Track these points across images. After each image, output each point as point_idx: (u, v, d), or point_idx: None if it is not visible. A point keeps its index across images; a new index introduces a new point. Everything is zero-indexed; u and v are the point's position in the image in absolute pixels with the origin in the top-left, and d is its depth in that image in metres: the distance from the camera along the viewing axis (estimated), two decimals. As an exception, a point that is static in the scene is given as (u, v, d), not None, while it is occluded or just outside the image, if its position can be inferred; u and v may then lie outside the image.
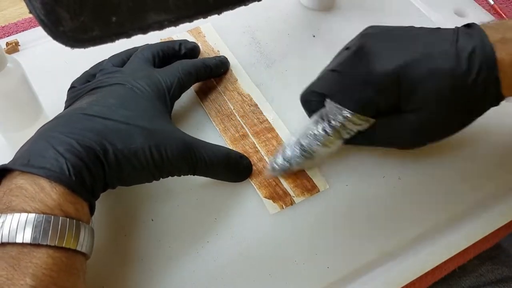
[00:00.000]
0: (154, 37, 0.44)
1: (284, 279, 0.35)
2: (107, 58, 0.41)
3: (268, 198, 0.38)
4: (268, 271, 0.35)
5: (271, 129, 0.42)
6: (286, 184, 0.39)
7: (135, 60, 0.40)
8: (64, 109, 0.37)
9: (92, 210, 0.31)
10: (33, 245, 0.26)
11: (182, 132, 0.35)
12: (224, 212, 0.38)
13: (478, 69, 0.32)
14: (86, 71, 0.40)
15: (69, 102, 0.37)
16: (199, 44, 0.46)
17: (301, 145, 0.38)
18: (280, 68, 0.48)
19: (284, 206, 0.38)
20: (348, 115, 0.36)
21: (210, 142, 0.36)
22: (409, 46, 0.34)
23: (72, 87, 0.39)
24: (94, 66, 0.41)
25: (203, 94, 0.45)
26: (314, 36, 0.50)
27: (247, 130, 0.42)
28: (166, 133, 0.34)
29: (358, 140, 0.38)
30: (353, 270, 0.36)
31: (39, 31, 0.48)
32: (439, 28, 0.36)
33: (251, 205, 0.38)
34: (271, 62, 0.48)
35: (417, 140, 0.38)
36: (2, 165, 0.29)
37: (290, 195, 0.38)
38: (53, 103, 0.39)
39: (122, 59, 0.40)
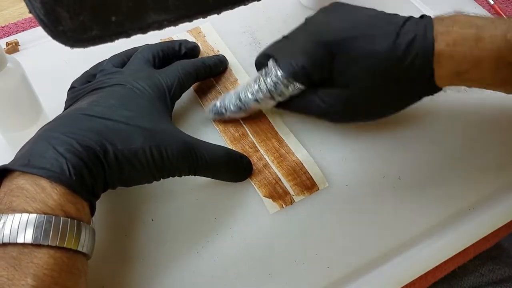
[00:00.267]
0: (154, 37, 0.44)
1: (284, 279, 0.35)
2: (107, 58, 0.41)
3: (268, 197, 0.38)
4: (268, 271, 0.35)
5: (270, 128, 0.42)
6: (285, 182, 0.39)
7: (135, 61, 0.40)
8: (64, 109, 0.37)
9: (92, 210, 0.31)
10: (34, 245, 0.26)
11: (183, 132, 0.35)
12: (224, 212, 0.38)
13: (413, 56, 0.34)
14: (86, 71, 0.40)
15: (69, 103, 0.37)
16: (199, 44, 0.46)
17: (239, 97, 0.40)
18: (280, 68, 0.47)
19: (284, 205, 0.38)
20: (280, 76, 0.38)
21: (210, 141, 0.36)
22: (355, 24, 0.36)
23: (72, 87, 0.39)
24: (94, 66, 0.41)
25: (202, 94, 0.45)
26: (314, 36, 0.50)
27: (246, 129, 0.42)
28: (166, 133, 0.34)
29: (290, 106, 0.41)
30: (353, 270, 0.36)
31: (39, 31, 0.48)
32: (396, 14, 0.37)
33: (251, 205, 0.38)
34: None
35: (346, 113, 0.39)
36: (3, 165, 0.29)
37: (289, 193, 0.38)
38: (53, 103, 0.39)
39: (122, 60, 0.40)
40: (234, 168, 0.38)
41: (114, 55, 0.41)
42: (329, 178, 0.40)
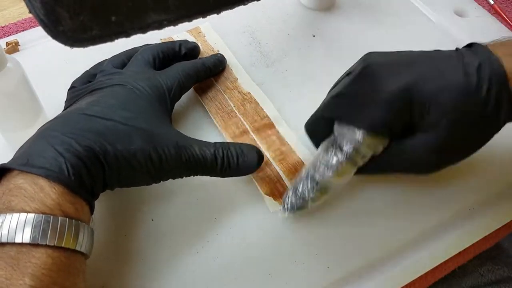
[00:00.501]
0: (154, 37, 0.44)
1: (284, 279, 0.35)
2: (107, 58, 0.41)
3: (269, 195, 0.38)
4: (268, 271, 0.35)
5: (271, 125, 0.42)
6: (287, 181, 0.39)
7: (135, 62, 0.40)
8: (64, 109, 0.37)
9: (91, 210, 0.31)
10: (32, 245, 0.26)
11: (181, 134, 0.35)
12: (224, 211, 0.38)
13: (488, 82, 0.31)
14: (87, 71, 0.40)
15: (69, 102, 0.37)
16: (199, 44, 0.46)
17: (313, 178, 0.35)
18: (280, 68, 0.48)
19: None
20: (361, 135, 0.33)
21: (211, 139, 0.36)
22: (414, 65, 0.33)
23: (72, 87, 0.39)
24: (95, 66, 0.41)
25: (202, 93, 0.45)
26: (314, 36, 0.50)
27: (247, 126, 0.42)
28: (165, 135, 0.34)
29: (371, 168, 0.36)
30: (353, 270, 0.36)
31: (39, 31, 0.48)
32: (439, 50, 0.35)
33: (251, 205, 0.38)
34: (271, 62, 0.48)
35: (434, 162, 0.35)
36: (1, 164, 0.29)
37: None
38: (53, 103, 0.39)
39: (122, 60, 0.40)
40: (231, 164, 0.36)
41: (114, 55, 0.41)
42: (329, 178, 0.39)
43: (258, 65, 0.48)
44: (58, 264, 0.27)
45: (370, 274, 0.36)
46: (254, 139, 0.41)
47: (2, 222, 0.26)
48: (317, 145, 0.37)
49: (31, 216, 0.26)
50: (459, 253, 0.38)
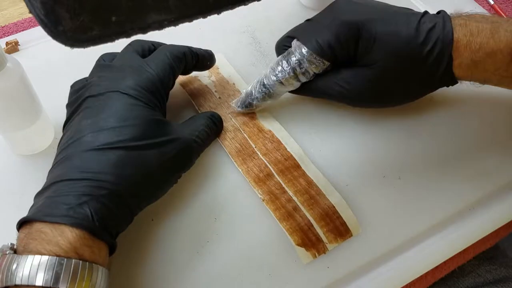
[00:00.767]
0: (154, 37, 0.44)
1: (284, 279, 0.35)
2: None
3: (301, 246, 0.36)
4: (268, 271, 0.35)
5: (297, 166, 0.40)
6: (318, 228, 0.37)
7: (124, 53, 0.39)
8: (67, 113, 0.36)
9: (112, 249, 0.32)
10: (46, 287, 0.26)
11: (184, 134, 0.36)
12: (224, 212, 0.38)
13: (434, 42, 0.36)
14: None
15: (71, 107, 0.36)
16: (213, 76, 0.45)
17: (263, 82, 0.41)
18: (280, 68, 0.47)
19: (317, 255, 0.36)
20: (305, 53, 0.39)
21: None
22: (375, 10, 0.38)
23: (72, 87, 0.38)
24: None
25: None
26: (314, 36, 0.50)
27: (271, 168, 0.40)
28: (173, 143, 0.35)
29: (313, 90, 0.41)
30: (353, 270, 0.36)
31: (39, 31, 0.48)
32: (408, 8, 0.40)
33: (251, 205, 0.38)
34: (271, 62, 0.48)
35: (369, 93, 0.39)
36: (25, 217, 0.29)
37: (323, 241, 0.36)
38: (53, 103, 0.39)
39: (114, 55, 0.39)
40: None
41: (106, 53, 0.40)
42: (329, 178, 0.39)
43: (258, 65, 0.48)
44: None
45: (370, 274, 0.36)
46: (280, 183, 0.39)
47: (17, 265, 0.27)
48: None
49: (45, 258, 0.27)
50: (459, 253, 0.38)
